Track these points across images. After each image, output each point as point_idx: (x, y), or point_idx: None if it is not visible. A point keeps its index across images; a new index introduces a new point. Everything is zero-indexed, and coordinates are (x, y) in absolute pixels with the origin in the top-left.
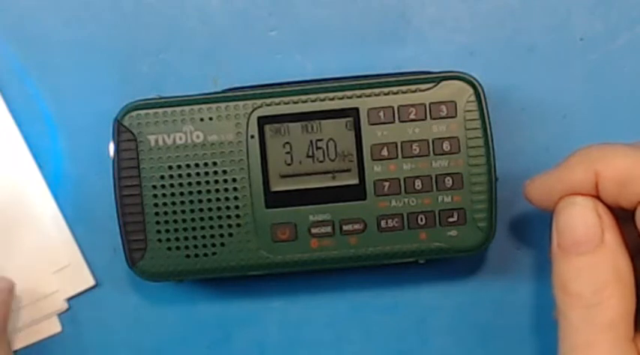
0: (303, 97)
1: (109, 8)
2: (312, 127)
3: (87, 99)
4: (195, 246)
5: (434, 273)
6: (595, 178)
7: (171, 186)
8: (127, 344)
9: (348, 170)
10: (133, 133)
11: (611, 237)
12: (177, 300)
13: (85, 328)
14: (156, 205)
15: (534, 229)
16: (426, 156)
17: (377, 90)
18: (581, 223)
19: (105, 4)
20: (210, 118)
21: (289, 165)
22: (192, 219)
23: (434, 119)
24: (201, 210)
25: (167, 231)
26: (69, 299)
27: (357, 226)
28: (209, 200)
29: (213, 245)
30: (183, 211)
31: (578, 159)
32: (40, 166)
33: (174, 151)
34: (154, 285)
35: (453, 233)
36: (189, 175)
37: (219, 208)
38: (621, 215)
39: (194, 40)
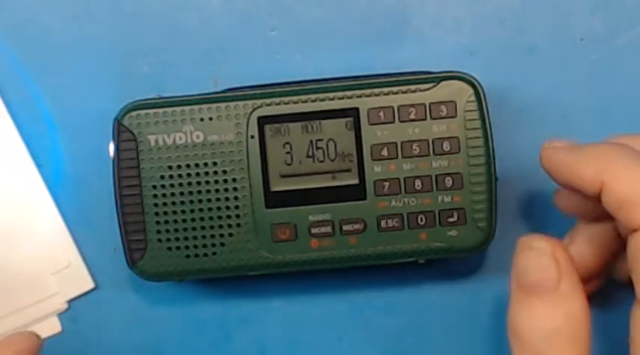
0: (303, 97)
1: (109, 8)
2: (312, 127)
3: (87, 99)
4: (195, 246)
5: (434, 273)
6: (600, 186)
7: (172, 186)
8: (127, 343)
9: (348, 170)
10: (133, 133)
11: (567, 285)
12: (177, 300)
13: (85, 328)
14: (156, 205)
15: (534, 229)
16: (426, 156)
17: (377, 90)
18: (536, 268)
19: (105, 4)
20: (210, 118)
21: (289, 165)
22: (192, 219)
23: (434, 119)
24: (201, 210)
25: (167, 231)
26: (69, 301)
27: (357, 226)
28: (209, 200)
29: (213, 245)
30: (183, 211)
31: (592, 159)
32: (40, 166)
33: (174, 151)
34: (154, 285)
35: (453, 233)
36: (189, 175)
37: (219, 208)
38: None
39: (194, 40)
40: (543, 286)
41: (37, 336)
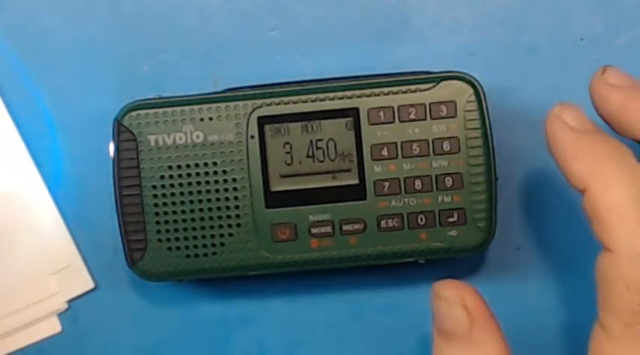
0: (303, 97)
1: (109, 8)
2: (312, 127)
3: (87, 99)
4: (195, 246)
5: (434, 273)
6: (584, 188)
7: (172, 186)
8: (127, 343)
9: (348, 170)
10: (133, 133)
11: (480, 332)
12: (177, 300)
13: (85, 328)
14: (156, 205)
15: (534, 229)
16: (426, 156)
17: (377, 90)
18: (448, 317)
19: (105, 4)
20: (210, 118)
21: (289, 165)
22: (192, 219)
23: (434, 119)
24: (201, 210)
25: (167, 231)
26: (69, 301)
27: (357, 226)
28: (209, 200)
29: (213, 245)
30: (183, 211)
31: (584, 155)
32: (40, 166)
33: (174, 151)
34: (154, 285)
35: (453, 233)
36: (189, 175)
37: (219, 208)
38: None
39: (194, 40)
40: (457, 333)
41: None
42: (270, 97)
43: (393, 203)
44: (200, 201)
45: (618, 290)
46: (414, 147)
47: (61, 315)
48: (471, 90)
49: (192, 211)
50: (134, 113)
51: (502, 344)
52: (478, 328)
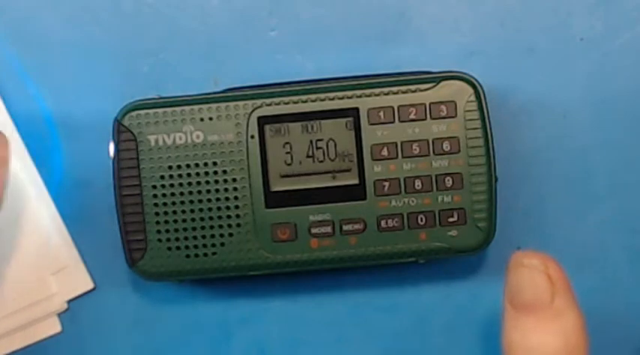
0: (303, 97)
1: (109, 8)
2: (312, 127)
3: (87, 99)
4: (195, 246)
5: (434, 273)
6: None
7: (171, 186)
8: (127, 344)
9: (348, 170)
10: (133, 133)
11: (561, 301)
12: (177, 300)
13: (85, 328)
14: (156, 205)
15: (534, 229)
16: (426, 156)
17: (377, 90)
18: (529, 286)
19: (105, 4)
20: (210, 118)
21: (289, 165)
22: (192, 219)
23: (434, 119)
24: (201, 210)
25: (167, 231)
26: (68, 301)
27: (357, 226)
28: (209, 200)
29: (213, 245)
30: (183, 211)
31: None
32: (40, 166)
33: (174, 151)
34: (154, 285)
35: (453, 233)
36: (189, 175)
37: (219, 208)
38: None
39: (194, 40)
40: (537, 304)
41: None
42: (270, 97)
43: (393, 203)
44: (200, 201)
45: None
46: (414, 147)
47: (61, 315)
48: (471, 90)
49: (192, 211)
50: (134, 113)
51: (580, 317)
52: (560, 298)
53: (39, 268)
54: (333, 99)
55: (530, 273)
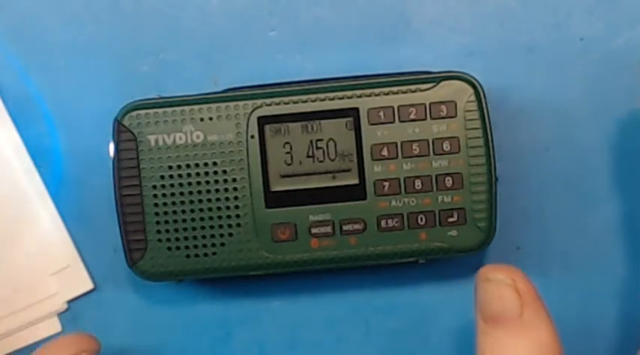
0: (303, 97)
1: (109, 8)
2: (312, 127)
3: (87, 99)
4: (196, 246)
5: (434, 273)
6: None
7: (172, 186)
8: (127, 343)
9: (348, 170)
10: (133, 133)
11: (531, 313)
12: (177, 300)
13: (85, 328)
14: (156, 205)
15: (534, 229)
16: (426, 156)
17: (377, 90)
18: (497, 300)
19: (105, 4)
20: (210, 118)
21: (289, 165)
22: (192, 219)
23: (434, 119)
24: (201, 210)
25: (167, 231)
26: (68, 301)
27: (357, 226)
28: (209, 200)
29: (213, 245)
30: (183, 211)
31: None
32: (40, 166)
33: (174, 151)
34: (154, 285)
35: (453, 233)
36: (189, 175)
37: (219, 208)
38: None
39: (194, 40)
40: (505, 316)
41: (93, 339)
42: (270, 97)
43: (393, 203)
44: (200, 201)
45: None
46: (414, 147)
47: (61, 315)
48: (471, 90)
49: (192, 211)
50: (134, 113)
51: (551, 329)
52: (529, 311)
53: (39, 268)
54: (333, 99)
55: (497, 287)
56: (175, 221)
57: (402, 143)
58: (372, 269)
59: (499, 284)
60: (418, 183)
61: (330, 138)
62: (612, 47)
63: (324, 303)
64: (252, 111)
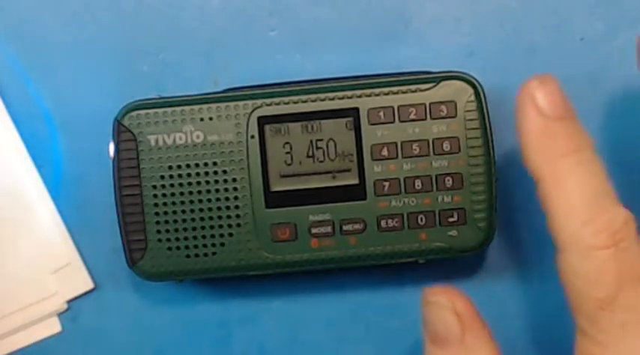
0: (303, 97)
1: (109, 8)
2: (312, 127)
3: (87, 99)
4: (196, 246)
5: (434, 273)
6: (538, 178)
7: (172, 186)
8: (127, 343)
9: (348, 170)
10: (133, 133)
11: (472, 338)
12: (177, 300)
13: (85, 328)
14: (156, 205)
15: (534, 229)
16: (426, 156)
17: (377, 90)
18: (439, 322)
19: (105, 4)
20: (210, 118)
21: (289, 165)
22: (192, 219)
23: (434, 119)
24: (201, 210)
25: (167, 231)
26: (68, 301)
27: (357, 226)
28: (209, 200)
29: (213, 245)
30: (183, 211)
31: (542, 145)
32: (40, 166)
33: (174, 151)
34: (154, 285)
35: (453, 233)
36: (189, 175)
37: (219, 208)
38: None
39: (194, 40)
40: (449, 339)
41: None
42: (270, 97)
43: (393, 203)
44: (200, 201)
45: (577, 289)
46: (414, 147)
47: (61, 315)
48: (471, 90)
49: (192, 211)
50: (134, 113)
51: (494, 350)
52: (470, 333)
53: (38, 268)
54: (333, 99)
55: (438, 310)
56: (175, 221)
57: (402, 143)
58: (372, 269)
59: (440, 308)
60: (418, 183)
61: (330, 138)
62: (612, 47)
63: (324, 303)
64: (252, 111)
